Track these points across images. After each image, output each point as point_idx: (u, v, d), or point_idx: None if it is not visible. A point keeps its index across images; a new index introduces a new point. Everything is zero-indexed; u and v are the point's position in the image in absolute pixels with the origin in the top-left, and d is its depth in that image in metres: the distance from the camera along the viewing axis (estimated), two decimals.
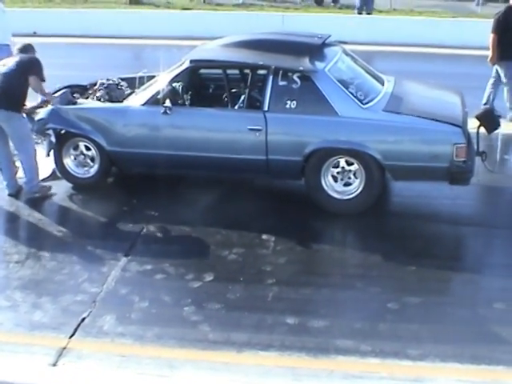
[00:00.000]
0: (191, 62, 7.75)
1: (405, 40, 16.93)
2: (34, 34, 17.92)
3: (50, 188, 8.03)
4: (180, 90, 8.07)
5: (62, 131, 7.89)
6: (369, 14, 19.51)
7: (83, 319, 5.58)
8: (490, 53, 10.37)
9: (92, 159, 7.96)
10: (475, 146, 7.55)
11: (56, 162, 8.06)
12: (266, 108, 7.31)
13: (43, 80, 7.74)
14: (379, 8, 20.76)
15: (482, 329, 5.43)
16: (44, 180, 8.23)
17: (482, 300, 5.87)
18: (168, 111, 7.45)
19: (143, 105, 7.67)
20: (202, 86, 8.68)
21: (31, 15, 19.03)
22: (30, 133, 7.85)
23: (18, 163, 8.03)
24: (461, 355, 5.09)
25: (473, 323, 5.50)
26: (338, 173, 7.33)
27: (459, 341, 5.27)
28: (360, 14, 19.53)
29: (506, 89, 10.36)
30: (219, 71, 8.35)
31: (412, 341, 5.26)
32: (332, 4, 22.54)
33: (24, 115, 7.77)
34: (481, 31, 16.46)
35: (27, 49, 7.87)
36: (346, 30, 14.58)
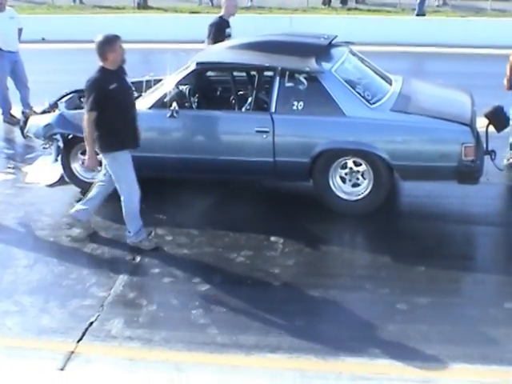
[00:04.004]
0: (197, 64, 7.74)
1: (412, 40, 16.88)
2: (43, 41, 18.02)
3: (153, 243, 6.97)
4: (187, 93, 8.06)
5: (70, 136, 7.88)
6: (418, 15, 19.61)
7: (91, 323, 5.58)
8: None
9: (100, 163, 7.93)
10: (484, 145, 7.50)
11: (64, 167, 8.05)
12: (272, 109, 7.29)
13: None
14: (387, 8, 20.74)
15: (492, 329, 5.38)
16: (52, 185, 8.25)
17: (492, 300, 5.83)
18: (175, 114, 7.43)
19: (150, 108, 7.65)
20: (208, 89, 8.65)
21: (40, 21, 19.02)
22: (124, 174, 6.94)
23: None
24: (471, 356, 5.05)
25: (483, 324, 5.46)
26: (346, 174, 7.30)
27: (469, 341, 5.23)
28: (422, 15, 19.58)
29: None
30: (226, 73, 8.33)
31: (421, 342, 5.23)
32: (340, 5, 22.51)
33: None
34: (491, 29, 16.63)
35: None
36: (354, 31, 14.53)
